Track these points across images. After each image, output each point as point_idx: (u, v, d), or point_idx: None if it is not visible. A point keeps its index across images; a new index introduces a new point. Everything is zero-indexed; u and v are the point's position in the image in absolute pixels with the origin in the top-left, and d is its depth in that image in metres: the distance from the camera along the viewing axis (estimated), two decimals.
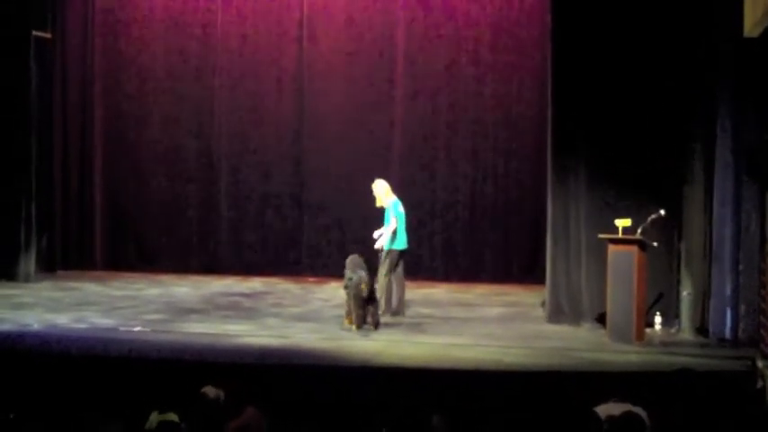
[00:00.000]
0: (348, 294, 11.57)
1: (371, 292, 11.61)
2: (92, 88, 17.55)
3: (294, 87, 17.12)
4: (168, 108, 17.51)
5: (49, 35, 16.52)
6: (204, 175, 17.50)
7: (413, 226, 16.43)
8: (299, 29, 17.04)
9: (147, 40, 17.53)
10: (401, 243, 12.62)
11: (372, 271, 12.00)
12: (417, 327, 12.01)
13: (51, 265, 16.77)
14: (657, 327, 11.55)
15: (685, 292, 11.52)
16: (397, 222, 12.49)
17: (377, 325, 11.54)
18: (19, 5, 15.66)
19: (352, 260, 11.87)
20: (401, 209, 12.67)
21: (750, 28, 9.37)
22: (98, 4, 17.50)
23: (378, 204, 12.72)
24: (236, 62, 17.32)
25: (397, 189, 16.23)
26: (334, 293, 13.73)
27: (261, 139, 17.26)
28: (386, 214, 12.58)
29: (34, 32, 15.95)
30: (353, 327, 11.44)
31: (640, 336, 10.83)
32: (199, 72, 17.43)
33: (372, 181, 12.92)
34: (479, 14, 16.45)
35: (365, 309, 11.50)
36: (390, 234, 12.44)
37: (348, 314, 11.62)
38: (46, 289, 14.98)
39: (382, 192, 12.68)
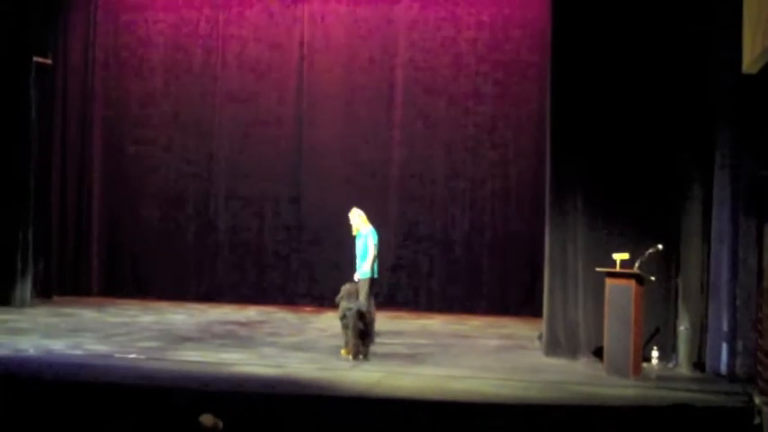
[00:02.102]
0: (346, 325, 11.59)
1: (370, 322, 11.65)
2: (91, 115, 17.62)
3: (293, 118, 17.19)
4: (167, 136, 17.59)
5: (49, 61, 16.59)
6: (202, 202, 17.53)
7: (410, 257, 16.64)
8: (300, 60, 17.14)
9: (147, 66, 17.63)
10: (376, 271, 12.69)
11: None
12: (414, 358, 11.98)
13: (47, 291, 16.77)
14: (654, 361, 11.52)
15: (682, 327, 11.50)
16: (375, 250, 12.54)
17: (366, 355, 11.57)
18: (20, 31, 15.73)
19: (348, 290, 11.92)
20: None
21: (749, 65, 9.42)
22: (99, 31, 17.61)
23: (354, 233, 12.72)
24: (237, 92, 17.41)
25: (395, 221, 16.40)
26: (330, 323, 13.70)
27: (259, 169, 17.28)
28: (362, 242, 12.60)
29: (35, 58, 16.00)
30: (350, 357, 11.47)
31: (637, 370, 10.80)
32: (199, 101, 17.50)
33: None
34: (479, 48, 16.53)
35: (362, 339, 11.53)
36: (371, 263, 12.50)
37: (347, 344, 11.64)
38: (42, 315, 14.96)
39: (360, 220, 12.70)
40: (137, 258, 17.67)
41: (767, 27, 8.47)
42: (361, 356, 11.47)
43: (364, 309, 11.67)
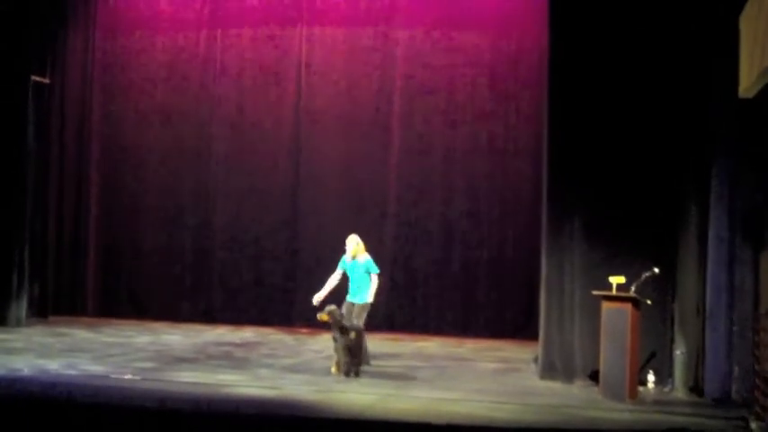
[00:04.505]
0: (338, 343, 11.72)
1: (358, 340, 11.75)
2: (89, 135, 17.64)
3: (291, 141, 17.19)
4: (165, 158, 17.59)
5: (47, 80, 16.62)
6: (198, 223, 17.51)
7: (407, 279, 16.61)
8: (297, 81, 17.16)
9: (145, 86, 17.66)
10: (371, 297, 12.68)
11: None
12: (409, 380, 11.96)
13: (43, 311, 16.75)
14: (650, 385, 11.51)
15: (679, 351, 11.49)
16: (373, 277, 12.58)
17: (357, 373, 11.70)
18: (18, 50, 15.74)
19: (336, 313, 11.96)
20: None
21: (745, 89, 9.44)
22: (98, 52, 17.66)
23: (350, 259, 12.69)
24: (234, 112, 17.44)
25: (392, 243, 16.38)
26: (326, 344, 13.63)
27: (256, 192, 17.28)
28: (359, 269, 12.58)
29: (33, 77, 16.03)
30: (342, 374, 11.67)
31: (633, 394, 10.78)
32: (196, 121, 17.51)
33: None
34: (476, 72, 16.56)
35: (352, 357, 11.67)
36: (373, 292, 12.54)
37: (337, 362, 11.78)
38: (37, 334, 14.92)
39: (357, 248, 12.69)
40: (132, 278, 17.66)
41: (764, 50, 8.48)
42: (352, 374, 11.61)
43: (355, 328, 11.78)
